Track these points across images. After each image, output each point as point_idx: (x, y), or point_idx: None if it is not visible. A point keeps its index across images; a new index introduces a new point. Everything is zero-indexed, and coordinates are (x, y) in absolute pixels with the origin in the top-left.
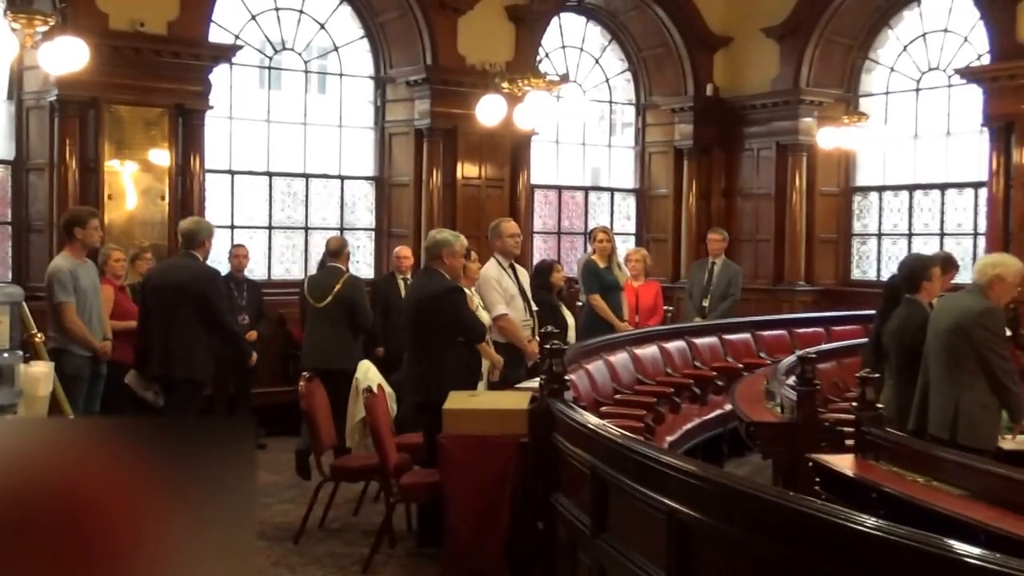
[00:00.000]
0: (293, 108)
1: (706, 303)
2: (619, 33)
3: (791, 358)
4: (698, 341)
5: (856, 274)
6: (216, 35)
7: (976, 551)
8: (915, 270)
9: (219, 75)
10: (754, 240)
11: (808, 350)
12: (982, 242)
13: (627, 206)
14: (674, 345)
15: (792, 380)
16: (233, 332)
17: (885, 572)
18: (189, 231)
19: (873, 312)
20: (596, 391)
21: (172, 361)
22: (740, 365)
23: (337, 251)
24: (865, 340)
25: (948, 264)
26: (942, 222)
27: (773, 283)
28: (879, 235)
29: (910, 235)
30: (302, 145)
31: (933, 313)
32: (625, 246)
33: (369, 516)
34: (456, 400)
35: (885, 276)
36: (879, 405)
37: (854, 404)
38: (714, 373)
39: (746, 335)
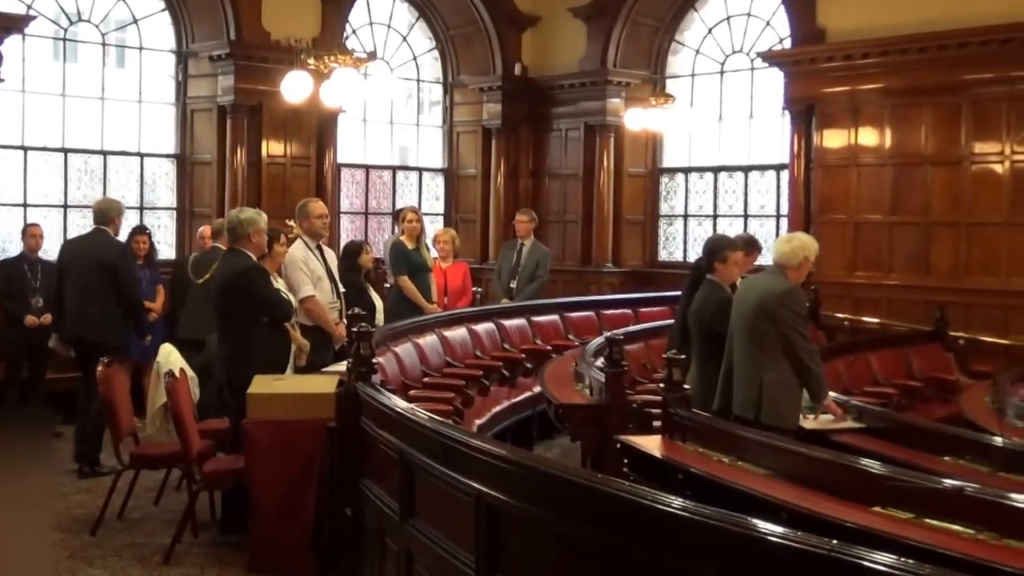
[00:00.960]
0: (90, 82)
1: (514, 284)
2: (427, 11)
3: (599, 340)
4: (507, 323)
5: (663, 255)
6: (7, 4)
7: (778, 529)
8: (713, 251)
9: (11, 46)
10: (562, 221)
11: (616, 332)
12: (784, 223)
13: (435, 186)
14: (483, 327)
15: (600, 362)
16: (136, 303)
17: (692, 551)
18: (101, 209)
19: (679, 293)
20: (405, 374)
21: (87, 326)
22: (549, 347)
23: (217, 231)
24: (672, 322)
25: (750, 246)
26: (746, 203)
27: (581, 264)
28: (685, 216)
29: (715, 216)
30: (99, 121)
31: (737, 294)
32: (433, 227)
33: (171, 505)
34: (261, 384)
35: (692, 258)
36: (685, 386)
37: (661, 385)
38: (523, 355)
39: (554, 317)
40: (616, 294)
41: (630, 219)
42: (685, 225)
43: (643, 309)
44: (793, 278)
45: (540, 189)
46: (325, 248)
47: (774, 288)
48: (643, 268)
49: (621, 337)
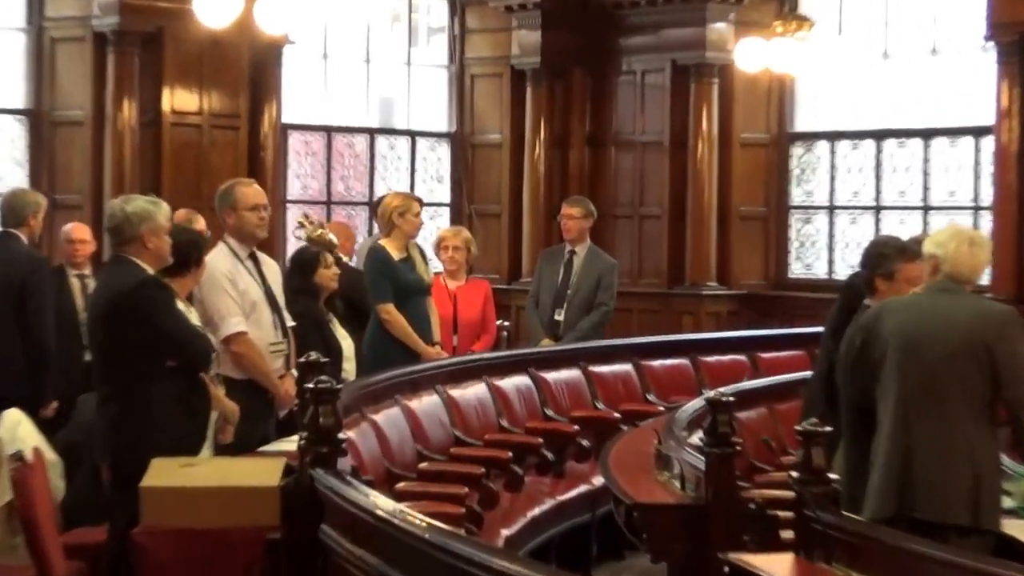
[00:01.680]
0: None
1: (561, 316)
2: None
3: (696, 403)
4: (550, 376)
5: (796, 269)
6: None
7: None
8: (875, 262)
9: None
10: (637, 216)
11: (722, 390)
12: (986, 218)
13: (437, 160)
14: (513, 382)
15: (698, 438)
16: (42, 348)
17: None
18: (8, 204)
19: (821, 330)
20: (390, 457)
21: None
22: (616, 415)
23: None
24: (809, 374)
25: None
26: (926, 188)
27: (668, 285)
28: (831, 208)
29: (877, 208)
30: None
31: (899, 324)
32: (435, 224)
33: None
34: (162, 472)
35: (842, 273)
36: (832, 476)
37: (793, 475)
38: (575, 428)
39: (625, 367)
40: (723, 331)
41: (745, 213)
42: (831, 222)
43: (765, 354)
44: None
45: (602, 166)
46: (263, 258)
47: (986, 313)
48: (765, 290)
49: (730, 399)
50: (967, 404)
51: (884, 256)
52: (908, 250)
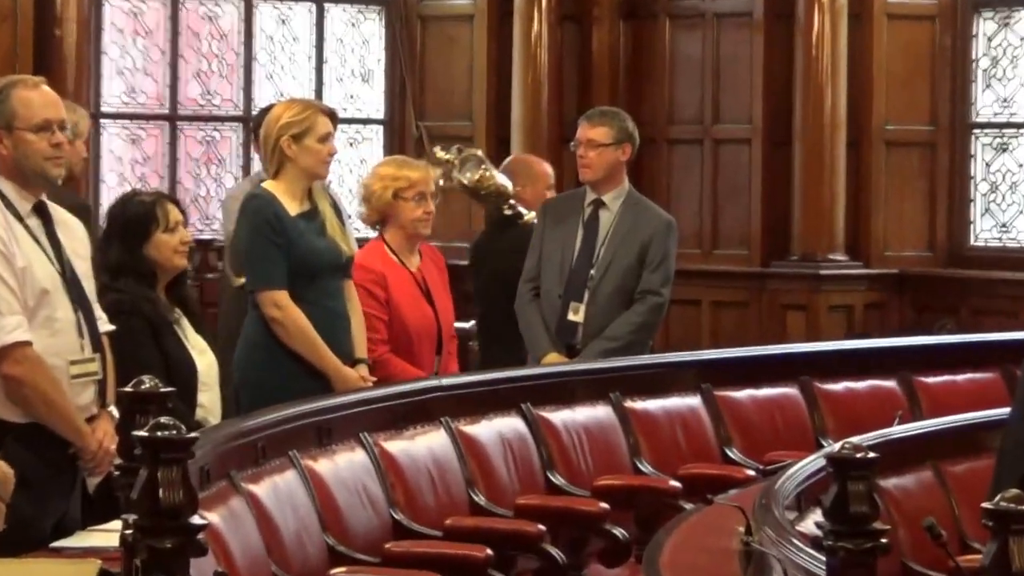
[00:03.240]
0: None
1: (579, 313)
2: None
3: (810, 462)
4: (560, 418)
5: (985, 233)
6: None
7: None
8: None
9: None
10: (708, 141)
11: (857, 440)
12: None
13: (362, 43)
14: (495, 428)
15: (815, 522)
16: None
17: None
18: None
19: None
20: (281, 558)
21: None
22: (673, 482)
23: None
24: (1008, 411)
25: None
26: None
27: (763, 259)
28: None
29: None
30: None
31: None
32: (358, 156)
33: None
34: None
35: None
36: None
37: None
38: (603, 506)
39: (689, 400)
40: (857, 337)
41: (895, 135)
42: None
43: (929, 377)
44: None
45: (648, 54)
46: (59, 215)
47: None
48: (929, 267)
49: (872, 456)
50: None
51: None
52: None
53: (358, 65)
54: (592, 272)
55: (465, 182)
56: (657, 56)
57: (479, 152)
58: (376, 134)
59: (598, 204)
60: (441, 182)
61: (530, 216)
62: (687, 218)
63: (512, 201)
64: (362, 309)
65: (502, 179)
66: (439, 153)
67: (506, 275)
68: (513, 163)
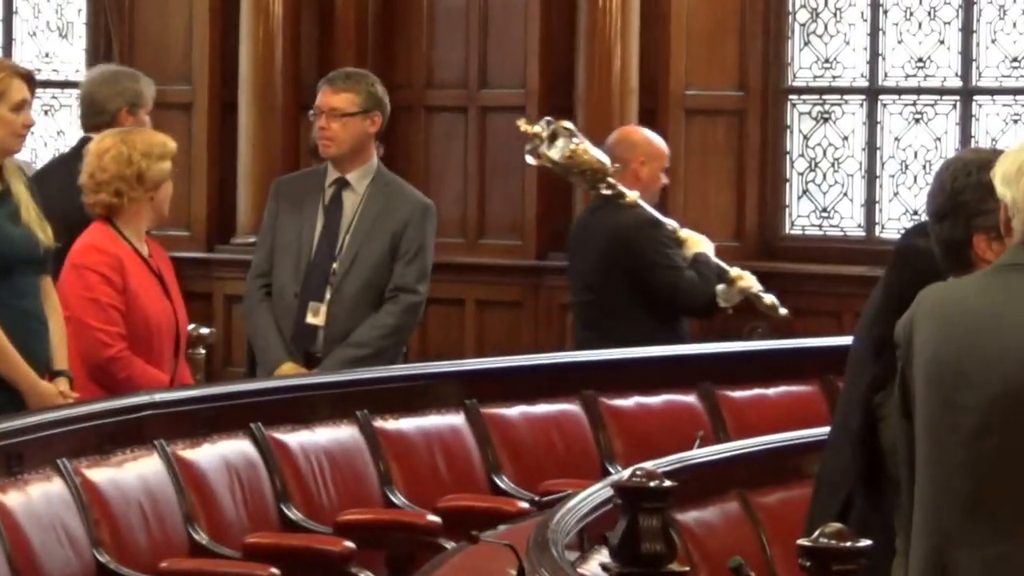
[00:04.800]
0: None
1: (320, 315)
2: None
3: (594, 492)
4: (296, 440)
5: (802, 218)
6: None
7: None
8: (966, 203)
9: None
10: (473, 108)
11: (649, 466)
12: None
13: None
14: (223, 451)
15: (599, 563)
16: None
17: None
18: (90, 95)
19: (851, 342)
20: None
21: None
22: (431, 517)
23: None
24: (827, 431)
25: None
26: None
27: (539, 250)
28: (870, 92)
29: (966, 93)
30: None
31: (929, 340)
32: (55, 126)
33: None
34: None
35: (895, 228)
36: None
37: None
38: (348, 545)
39: (451, 419)
40: (648, 344)
41: (696, 102)
42: (872, 122)
43: (735, 391)
44: None
45: (401, 3)
46: None
47: None
48: (737, 260)
49: (666, 484)
50: None
51: (990, 189)
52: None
53: (55, 17)
54: (335, 266)
55: (557, 158)
56: (413, 6)
57: (570, 124)
58: (76, 100)
59: (341, 184)
60: (529, 159)
61: (633, 196)
62: (448, 201)
63: (611, 179)
64: (99, 298)
65: (598, 154)
66: (524, 126)
67: None
68: (628, 136)
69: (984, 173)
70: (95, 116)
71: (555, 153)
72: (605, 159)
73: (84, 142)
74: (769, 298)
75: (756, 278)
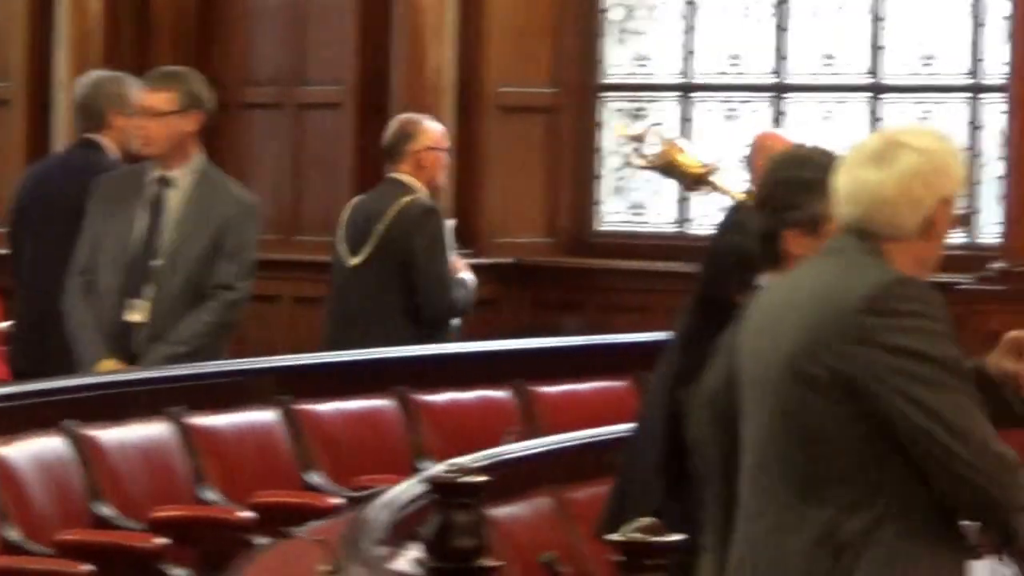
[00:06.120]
0: None
1: (141, 312)
2: None
3: (407, 487)
4: (111, 437)
5: (613, 215)
6: None
7: None
8: (775, 197)
9: None
10: (290, 106)
11: (462, 461)
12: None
13: None
14: (34, 449)
15: (411, 559)
16: None
17: None
18: (85, 97)
19: (665, 337)
20: None
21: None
22: (246, 512)
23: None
24: (634, 427)
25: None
26: (875, 50)
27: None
28: (684, 88)
29: (779, 89)
30: None
31: (747, 332)
32: None
33: None
34: None
35: (706, 224)
36: None
37: None
38: (161, 542)
39: (264, 415)
40: (463, 339)
41: (509, 99)
42: (684, 118)
43: (546, 387)
44: (904, 261)
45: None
46: None
47: (850, 291)
48: (549, 256)
49: (478, 480)
50: (813, 487)
51: (802, 184)
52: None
53: None
54: (156, 263)
55: (653, 160)
56: (230, 5)
57: (662, 126)
58: None
59: (164, 182)
60: (636, 161)
61: (741, 195)
62: (266, 198)
63: (714, 180)
64: None
65: (698, 157)
66: (621, 129)
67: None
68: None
69: (798, 169)
70: (87, 120)
71: (650, 155)
72: (710, 162)
73: (84, 144)
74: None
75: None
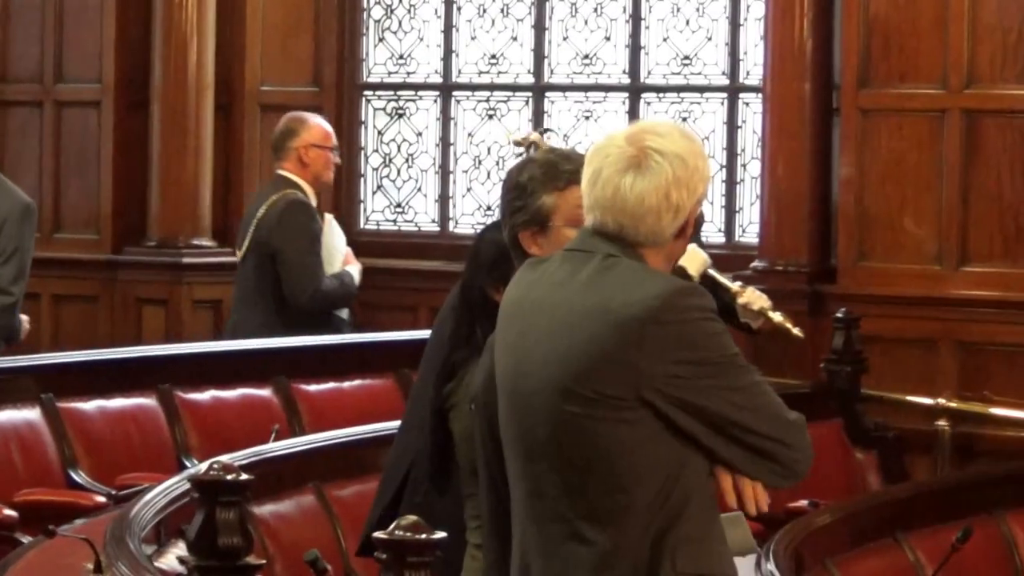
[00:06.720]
0: None
1: None
2: None
3: (172, 485)
4: None
5: (377, 213)
6: None
7: None
8: (506, 203)
9: None
10: (50, 103)
11: (226, 459)
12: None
13: None
14: None
15: (176, 556)
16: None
17: None
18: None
19: (428, 335)
20: None
21: None
22: (8, 511)
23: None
24: (398, 424)
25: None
26: (634, 49)
27: (115, 244)
28: (444, 88)
29: (539, 89)
30: None
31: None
32: None
33: None
34: None
35: (471, 223)
36: None
37: None
38: None
39: (27, 413)
40: (227, 338)
41: (269, 98)
42: (447, 117)
43: (310, 385)
44: (658, 262)
45: None
46: None
47: (629, 304)
48: None
49: (243, 479)
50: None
51: (522, 188)
52: (558, 169)
53: None
54: None
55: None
56: None
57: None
58: None
59: None
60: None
61: None
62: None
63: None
64: None
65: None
66: (508, 135)
67: None
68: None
69: (518, 174)
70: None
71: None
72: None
73: None
74: (777, 317)
75: (762, 294)
